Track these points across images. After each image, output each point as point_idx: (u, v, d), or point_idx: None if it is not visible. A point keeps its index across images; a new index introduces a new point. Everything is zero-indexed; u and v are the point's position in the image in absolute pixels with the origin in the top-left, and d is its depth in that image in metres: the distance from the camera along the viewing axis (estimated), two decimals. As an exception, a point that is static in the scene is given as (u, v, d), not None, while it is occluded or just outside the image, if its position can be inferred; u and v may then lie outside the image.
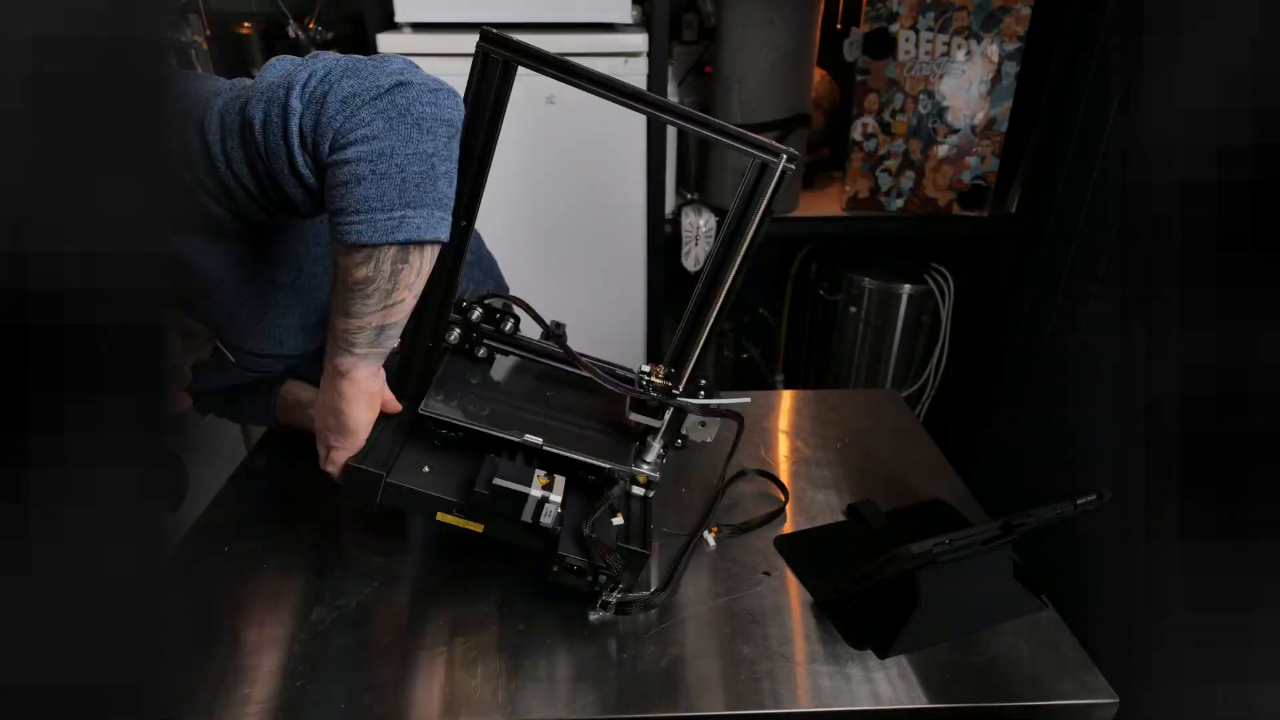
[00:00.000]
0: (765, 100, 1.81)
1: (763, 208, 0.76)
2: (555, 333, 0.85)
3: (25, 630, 0.30)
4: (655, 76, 1.74)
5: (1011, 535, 0.77)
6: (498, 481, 0.73)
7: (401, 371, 0.84)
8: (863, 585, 0.78)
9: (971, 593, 0.78)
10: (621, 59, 1.71)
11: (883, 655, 0.75)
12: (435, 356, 0.84)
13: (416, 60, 1.69)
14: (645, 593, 0.82)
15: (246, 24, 1.93)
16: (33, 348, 0.29)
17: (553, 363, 0.89)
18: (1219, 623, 0.51)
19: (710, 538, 0.91)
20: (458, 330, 0.85)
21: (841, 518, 0.96)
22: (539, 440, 0.79)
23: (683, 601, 0.82)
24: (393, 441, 0.79)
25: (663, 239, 1.90)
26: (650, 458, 0.86)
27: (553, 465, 0.79)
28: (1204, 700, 0.52)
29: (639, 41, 1.69)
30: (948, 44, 1.75)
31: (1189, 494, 0.52)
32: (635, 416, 0.82)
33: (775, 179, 0.75)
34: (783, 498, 0.99)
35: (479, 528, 0.77)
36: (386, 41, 1.66)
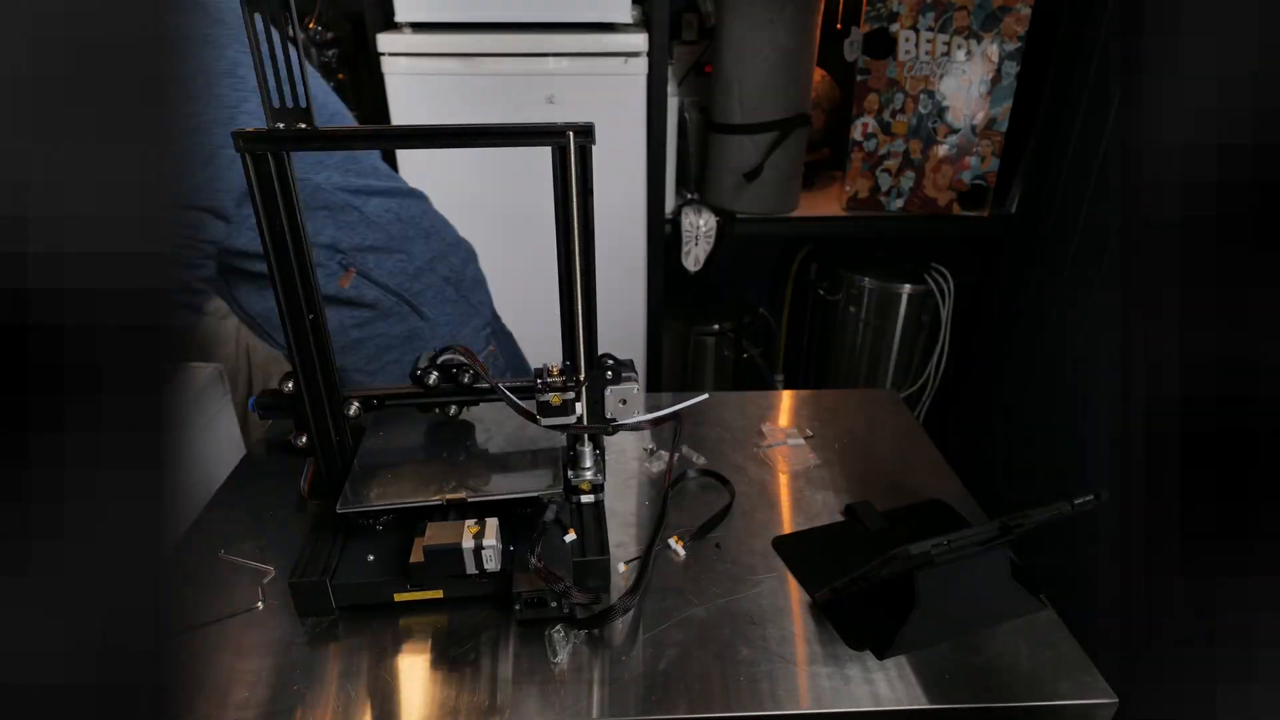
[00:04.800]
0: (765, 100, 1.81)
1: (575, 187, 0.74)
2: (451, 365, 0.87)
3: (22, 631, 0.30)
4: (655, 76, 1.74)
5: (1009, 535, 0.77)
6: (427, 545, 0.76)
7: (320, 475, 0.87)
8: (860, 586, 0.78)
9: (970, 593, 0.78)
10: (621, 59, 1.71)
11: (881, 656, 0.75)
12: (345, 448, 0.87)
13: (416, 60, 1.68)
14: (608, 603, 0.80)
15: (246, 24, 1.93)
16: (33, 347, 0.29)
17: (461, 398, 0.89)
18: (1218, 623, 0.51)
19: (678, 546, 0.90)
20: (355, 404, 0.86)
21: (840, 518, 0.96)
22: (461, 494, 0.81)
23: (680, 603, 0.82)
24: (330, 545, 0.82)
25: (663, 239, 1.90)
26: (588, 463, 0.87)
27: (484, 511, 0.80)
28: (1204, 700, 0.52)
29: (639, 41, 1.69)
30: (948, 44, 1.75)
31: (1189, 494, 0.52)
32: (547, 421, 0.82)
33: (575, 156, 0.74)
34: (728, 495, 0.98)
35: (439, 593, 0.80)
36: (386, 41, 1.66)
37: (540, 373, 0.82)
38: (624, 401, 0.85)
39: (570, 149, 0.73)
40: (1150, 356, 0.54)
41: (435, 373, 0.87)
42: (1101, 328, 1.62)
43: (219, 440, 1.59)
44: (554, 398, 0.81)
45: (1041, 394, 1.85)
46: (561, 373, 0.81)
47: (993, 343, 2.04)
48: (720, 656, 0.75)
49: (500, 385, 0.83)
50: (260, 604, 0.82)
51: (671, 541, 0.90)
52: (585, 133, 0.73)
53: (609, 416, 0.86)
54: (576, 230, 0.76)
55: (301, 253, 0.75)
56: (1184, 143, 0.50)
